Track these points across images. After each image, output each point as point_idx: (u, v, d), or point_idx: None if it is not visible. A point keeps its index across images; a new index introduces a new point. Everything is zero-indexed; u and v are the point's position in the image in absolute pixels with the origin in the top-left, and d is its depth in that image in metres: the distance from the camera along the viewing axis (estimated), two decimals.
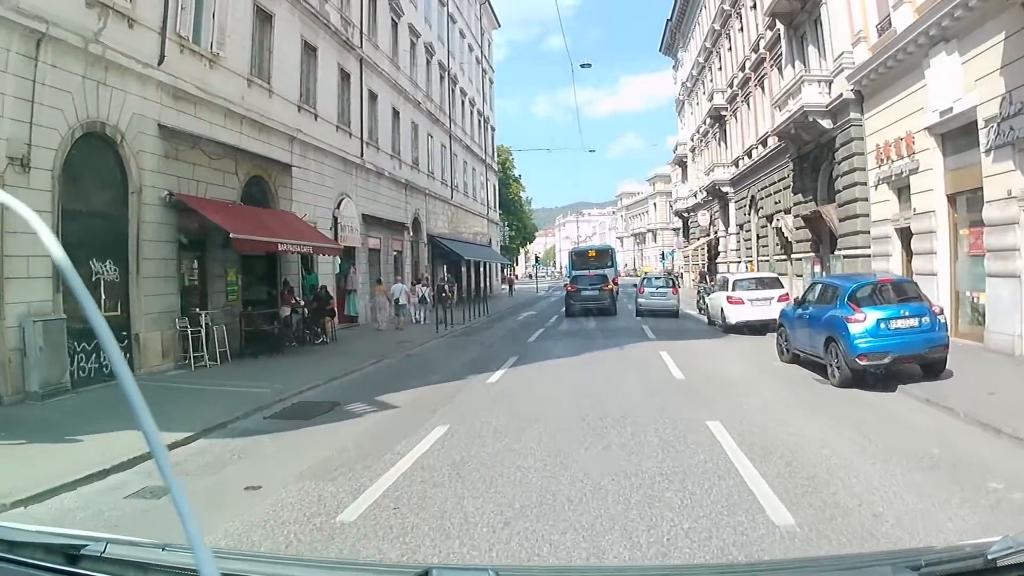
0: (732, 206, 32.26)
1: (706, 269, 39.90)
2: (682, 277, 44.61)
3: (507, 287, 53.88)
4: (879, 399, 8.96)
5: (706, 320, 20.91)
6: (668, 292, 25.00)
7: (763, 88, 26.16)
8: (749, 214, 29.49)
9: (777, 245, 24.88)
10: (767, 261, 26.64)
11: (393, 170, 26.80)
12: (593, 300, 25.23)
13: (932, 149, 14.08)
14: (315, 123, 19.80)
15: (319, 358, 14.56)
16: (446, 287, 30.59)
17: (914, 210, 14.74)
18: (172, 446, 7.56)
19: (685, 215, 45.85)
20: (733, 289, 17.92)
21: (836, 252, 18.40)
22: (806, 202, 20.92)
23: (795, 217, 21.94)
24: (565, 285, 28.37)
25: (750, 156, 28.57)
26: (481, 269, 43.70)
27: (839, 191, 18.13)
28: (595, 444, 6.57)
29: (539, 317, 26.75)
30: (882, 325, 9.16)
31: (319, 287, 18.41)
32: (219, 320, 14.57)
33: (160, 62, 13.34)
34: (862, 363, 9.16)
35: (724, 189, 32.31)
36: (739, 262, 31.74)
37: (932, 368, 9.57)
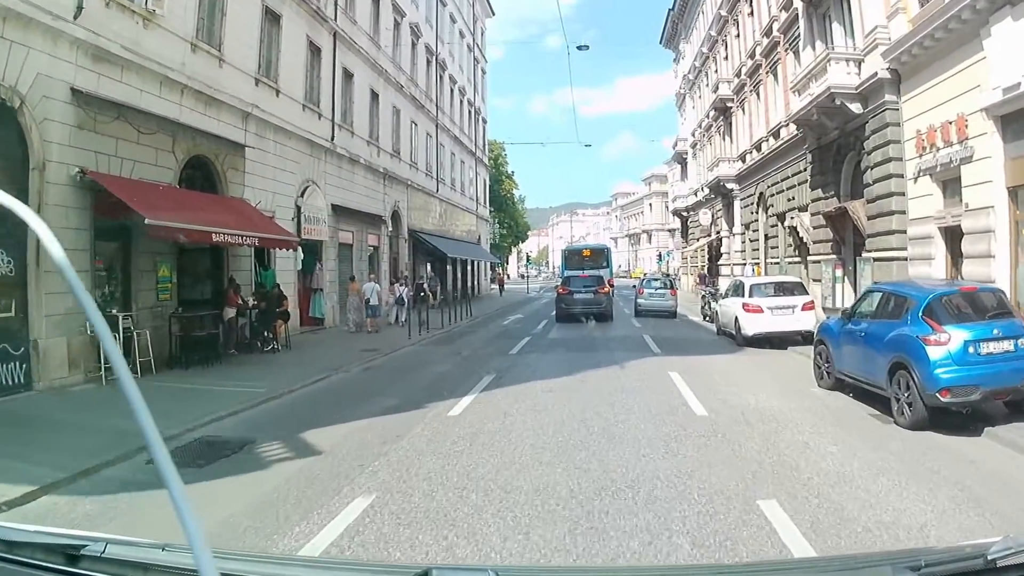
0: (737, 204, 30.10)
1: (706, 271, 37.76)
2: (679, 279, 42.47)
3: (497, 287, 51.67)
4: (967, 448, 6.75)
5: (715, 329, 18.68)
6: (667, 294, 25.42)
7: (775, 76, 23.96)
8: (756, 212, 27.32)
9: (790, 246, 22.70)
10: (776, 263, 24.48)
11: (370, 158, 24.48)
12: (587, 304, 22.86)
13: (990, 134, 11.86)
14: (276, 100, 17.46)
15: (262, 370, 12.25)
16: (426, 286, 28.36)
17: (966, 206, 12.54)
18: (10, 504, 5.43)
19: (684, 214, 43.70)
20: (750, 295, 15.65)
21: (864, 254, 16.21)
22: (827, 198, 18.72)
23: (813, 215, 19.74)
24: (556, 287, 25.91)
25: (759, 150, 26.40)
26: (468, 268, 41.42)
27: (868, 185, 15.93)
28: (593, 553, 4.17)
29: (527, 322, 24.48)
30: (971, 349, 6.95)
31: (272, 286, 16.08)
32: (145, 323, 12.28)
33: (77, 15, 11.04)
34: (944, 399, 6.94)
35: (729, 186, 30.14)
36: (744, 264, 29.58)
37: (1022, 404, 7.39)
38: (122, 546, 1.40)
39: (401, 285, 24.53)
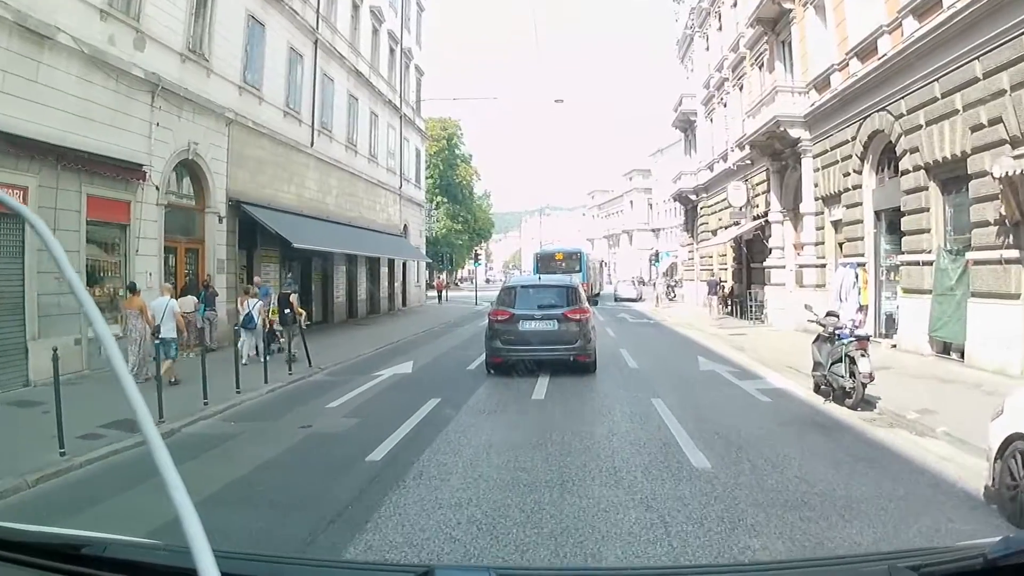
0: (808, 164, 17.78)
1: (736, 278, 25.39)
2: (677, 286, 30.30)
3: (436, 296, 39.01)
4: None
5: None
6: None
7: None
8: (864, 168, 15.11)
9: (994, 224, 10.39)
10: (926, 264, 12.30)
11: (104, 43, 11.73)
12: (544, 343, 11.11)
13: None
14: None
15: None
16: (294, 299, 15.60)
17: None
18: None
19: (693, 198, 31.40)
20: None
21: None
22: None
23: None
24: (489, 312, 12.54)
25: (874, 53, 14.16)
26: (385, 270, 28.57)
27: None
28: None
29: (432, 371, 11.85)
30: None
31: None
32: None
33: None
34: None
35: (793, 134, 17.82)
36: (822, 264, 17.32)
37: None
38: (122, 546, 1.41)
39: (252, 297, 13.84)
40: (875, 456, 6.14)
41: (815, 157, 17.65)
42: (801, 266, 18.07)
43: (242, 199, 16.32)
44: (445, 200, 56.64)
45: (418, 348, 15.84)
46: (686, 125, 33.68)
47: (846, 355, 8.19)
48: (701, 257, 31.08)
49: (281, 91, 18.74)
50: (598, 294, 37.92)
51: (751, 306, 20.84)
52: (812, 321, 9.52)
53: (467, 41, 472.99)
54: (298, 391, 10.19)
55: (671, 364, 12.48)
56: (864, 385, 8.04)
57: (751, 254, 23.47)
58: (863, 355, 8.02)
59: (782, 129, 17.87)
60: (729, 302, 24.85)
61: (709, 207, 29.16)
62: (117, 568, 1.30)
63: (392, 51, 29.69)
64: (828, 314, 9.20)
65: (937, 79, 12.08)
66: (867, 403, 8.19)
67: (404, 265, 31.59)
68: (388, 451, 6.16)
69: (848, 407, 8.19)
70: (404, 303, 31.59)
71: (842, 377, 8.23)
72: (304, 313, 16.28)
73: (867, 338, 8.30)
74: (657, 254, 39.55)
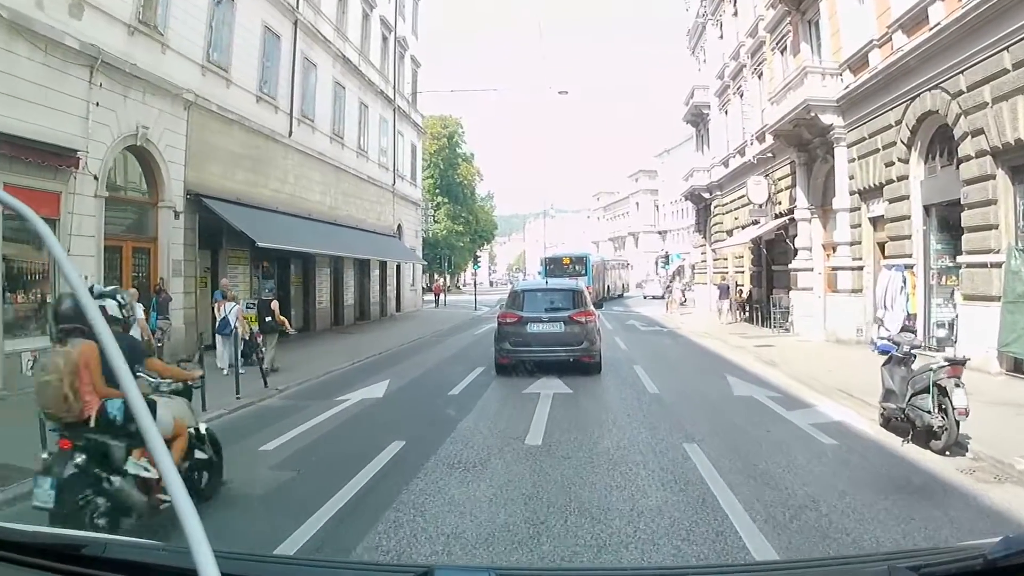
0: (844, 152, 15.85)
1: (755, 282, 23.49)
2: (686, 290, 28.39)
3: (434, 300, 37.21)
4: None
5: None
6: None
7: None
8: (921, 155, 13.21)
9: None
10: (994, 266, 10.40)
11: (18, 3, 9.99)
12: (553, 344, 11.77)
13: None
14: None
15: None
16: (275, 306, 13.86)
17: None
18: None
19: (707, 196, 29.45)
20: None
21: None
22: None
23: None
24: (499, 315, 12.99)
25: (924, 24, 12.27)
26: (376, 273, 26.70)
27: None
28: None
29: (407, 396, 9.91)
30: None
31: None
32: None
33: None
34: None
35: (824, 119, 15.89)
36: (858, 267, 15.41)
37: None
38: (122, 546, 1.42)
39: (231, 302, 12.65)
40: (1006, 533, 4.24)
41: (850, 146, 15.73)
42: (834, 268, 16.14)
43: (204, 192, 14.49)
44: (446, 200, 54.79)
45: (400, 363, 13.94)
46: (698, 119, 31.76)
47: (934, 384, 6.28)
48: (715, 259, 29.14)
49: (254, 74, 16.92)
50: (604, 298, 37.55)
51: (775, 313, 18.91)
52: (885, 339, 7.56)
53: (468, 38, 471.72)
54: (240, 422, 8.31)
55: (697, 386, 10.50)
56: (958, 424, 6.14)
57: (772, 256, 21.54)
58: (958, 385, 6.12)
59: (812, 115, 15.94)
60: (747, 308, 22.91)
61: (724, 205, 27.22)
62: (117, 568, 1.29)
63: (385, 39, 27.87)
64: (903, 329, 7.28)
65: (1007, 47, 10.18)
66: (958, 444, 6.30)
67: (398, 267, 29.73)
68: (308, 539, 4.24)
69: (936, 451, 6.28)
70: (398, 308, 29.72)
71: (928, 413, 6.32)
72: (286, 321, 14.65)
73: (963, 363, 6.37)
74: (667, 256, 37.44)
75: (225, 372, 11.45)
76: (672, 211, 79.57)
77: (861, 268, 15.38)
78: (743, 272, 25.09)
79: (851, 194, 15.66)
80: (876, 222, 15.16)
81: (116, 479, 4.01)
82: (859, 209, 15.51)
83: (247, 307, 13.51)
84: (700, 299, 29.84)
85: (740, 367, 12.43)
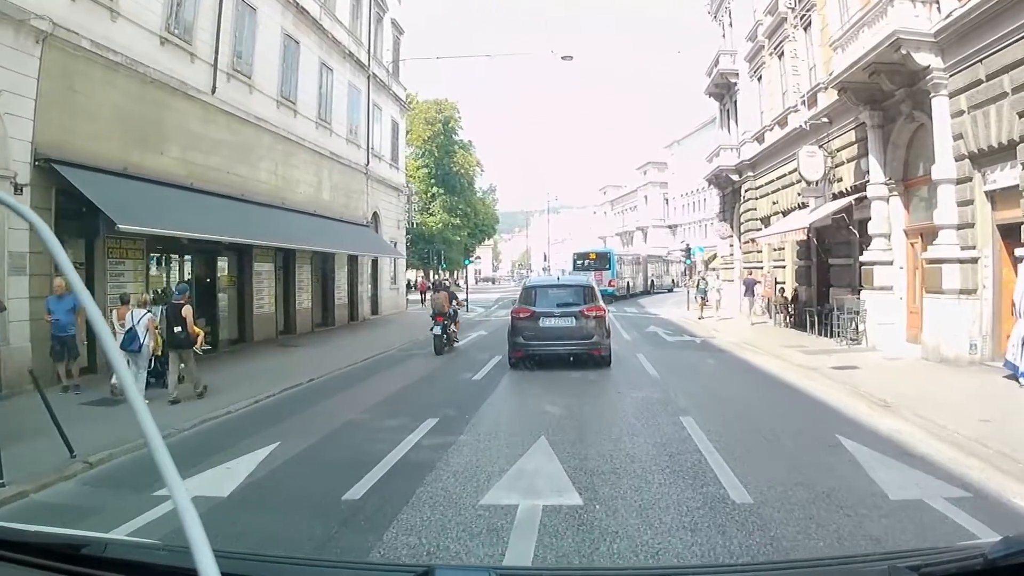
0: (945, 103, 11.58)
1: (803, 279, 19.25)
2: (711, 287, 24.12)
3: (420, 299, 33.16)
4: None
5: None
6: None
7: None
8: None
9: None
10: None
11: None
12: (563, 338, 12.12)
13: None
14: None
15: None
16: (185, 313, 9.85)
17: None
18: None
19: (735, 177, 25.13)
20: None
21: None
22: None
23: None
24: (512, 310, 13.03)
25: None
26: (344, 271, 22.53)
27: None
28: None
29: (288, 488, 5.58)
30: None
31: None
32: None
33: None
34: None
35: (919, 58, 11.60)
36: (971, 259, 11.16)
37: None
38: (122, 546, 1.41)
39: (139, 307, 9.67)
40: None
41: (954, 95, 11.48)
42: (930, 261, 11.88)
43: (66, 158, 10.40)
44: (442, 191, 50.55)
45: (326, 400, 9.75)
46: (723, 91, 27.45)
47: None
48: (744, 252, 24.88)
49: (156, 7, 12.80)
50: (646, 290, 43.20)
51: (838, 318, 14.66)
52: None
53: (469, 35, 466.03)
54: None
55: (813, 475, 5.43)
56: None
57: (826, 246, 17.30)
58: None
59: (904, 52, 11.68)
60: (791, 311, 18.69)
61: (758, 188, 22.97)
62: (117, 568, 1.28)
63: (369, 8, 23.72)
64: None
65: None
66: None
67: (374, 263, 25.56)
68: None
69: None
70: (375, 310, 25.55)
71: None
72: (202, 333, 10.82)
73: None
74: (688, 249, 33.03)
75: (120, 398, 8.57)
76: (684, 204, 75.18)
77: (975, 261, 11.15)
78: (783, 267, 20.84)
79: (958, 159, 11.42)
80: (996, 197, 10.95)
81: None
82: (970, 180, 11.26)
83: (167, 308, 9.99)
84: (729, 298, 25.58)
85: (842, 414, 8.08)
